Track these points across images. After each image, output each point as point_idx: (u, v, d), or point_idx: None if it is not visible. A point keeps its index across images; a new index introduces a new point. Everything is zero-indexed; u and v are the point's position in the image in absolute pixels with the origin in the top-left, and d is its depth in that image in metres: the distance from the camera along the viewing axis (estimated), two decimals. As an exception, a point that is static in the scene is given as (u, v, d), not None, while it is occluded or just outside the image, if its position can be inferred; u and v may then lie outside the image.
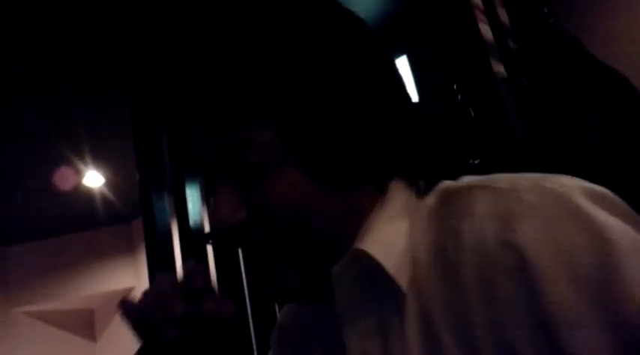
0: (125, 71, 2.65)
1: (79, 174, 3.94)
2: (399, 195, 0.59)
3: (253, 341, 2.09)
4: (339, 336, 0.57)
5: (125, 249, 5.10)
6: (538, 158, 1.56)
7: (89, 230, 5.03)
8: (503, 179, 0.53)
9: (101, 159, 3.81)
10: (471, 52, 1.68)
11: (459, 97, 2.01)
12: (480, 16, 1.73)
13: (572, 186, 0.49)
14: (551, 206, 0.47)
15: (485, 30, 1.72)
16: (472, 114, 1.70)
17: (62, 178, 3.88)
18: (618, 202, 0.49)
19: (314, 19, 0.57)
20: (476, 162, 1.93)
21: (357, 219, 0.57)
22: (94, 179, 4.08)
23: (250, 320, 2.35)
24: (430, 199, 0.57)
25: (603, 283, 0.43)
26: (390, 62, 0.61)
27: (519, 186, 0.50)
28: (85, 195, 4.28)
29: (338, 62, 0.56)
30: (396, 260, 0.54)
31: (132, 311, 0.57)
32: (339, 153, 0.55)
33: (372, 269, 0.54)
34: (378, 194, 0.58)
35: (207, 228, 2.46)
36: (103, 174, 4.05)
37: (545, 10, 1.96)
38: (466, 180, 0.58)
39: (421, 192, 0.60)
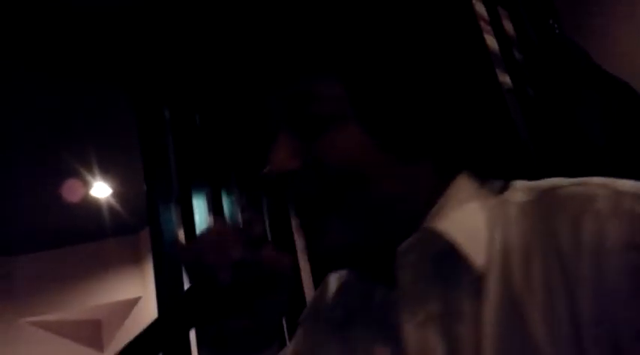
0: (132, 82, 2.66)
1: (86, 185, 3.96)
2: (465, 186, 0.58)
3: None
4: (388, 320, 0.56)
5: (132, 260, 5.10)
6: (544, 168, 1.56)
7: (96, 240, 5.03)
8: (623, 182, 0.51)
9: (108, 170, 3.83)
10: (476, 62, 1.68)
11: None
12: (485, 26, 1.73)
13: None
14: None
15: (491, 41, 1.72)
16: (478, 124, 1.70)
17: (69, 189, 3.89)
18: None
19: None
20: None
21: (415, 195, 0.57)
22: (101, 190, 4.09)
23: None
24: (516, 195, 0.56)
25: None
26: (461, 44, 0.63)
27: None
28: (92, 206, 4.29)
29: (412, 29, 0.57)
30: (474, 242, 0.53)
31: (188, 252, 0.57)
32: (402, 117, 0.55)
33: (446, 250, 0.53)
34: (439, 177, 0.58)
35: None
36: (110, 185, 4.07)
37: (551, 20, 1.97)
38: (557, 180, 0.56)
39: (494, 189, 0.59)
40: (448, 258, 0.53)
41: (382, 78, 0.55)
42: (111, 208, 4.40)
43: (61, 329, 5.07)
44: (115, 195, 4.21)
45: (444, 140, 0.57)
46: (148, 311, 4.77)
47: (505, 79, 1.67)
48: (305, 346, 0.71)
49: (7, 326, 4.76)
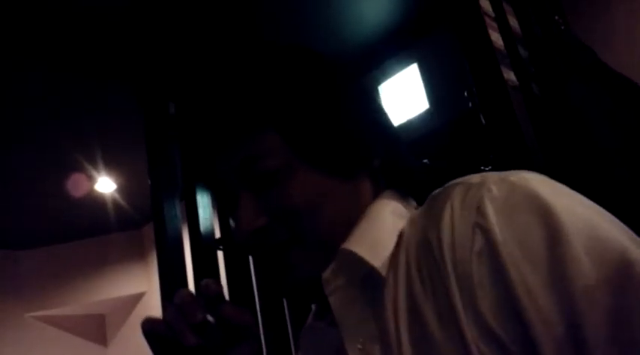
0: (138, 77, 2.67)
1: (91, 180, 3.96)
2: (386, 205, 0.65)
3: (264, 347, 2.09)
4: (339, 352, 0.59)
5: (136, 255, 5.12)
6: (549, 164, 1.55)
7: (101, 235, 5.05)
8: (476, 176, 0.58)
9: (113, 166, 3.83)
10: (481, 59, 1.68)
11: (470, 104, 2.01)
12: (490, 23, 1.73)
13: (530, 177, 0.54)
14: (510, 194, 0.51)
15: (496, 37, 1.72)
16: (483, 121, 1.70)
17: (74, 184, 3.90)
18: (565, 189, 0.54)
19: (304, 58, 0.68)
20: (487, 168, 1.93)
21: (358, 209, 0.64)
22: (105, 185, 4.10)
23: (261, 325, 2.36)
24: (420, 208, 0.63)
25: (554, 262, 0.47)
26: (356, 84, 0.71)
27: (487, 180, 0.54)
28: (97, 200, 4.30)
29: (319, 82, 0.66)
30: (381, 256, 0.59)
31: (156, 325, 0.59)
32: (333, 142, 0.63)
33: (361, 268, 0.58)
34: (374, 190, 0.67)
35: (217, 234, 2.47)
36: (114, 180, 4.07)
37: (557, 17, 1.96)
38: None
39: (413, 204, 0.67)
40: (369, 277, 0.58)
41: (309, 117, 0.63)
42: (115, 203, 4.40)
43: (64, 324, 5.10)
44: (119, 190, 4.22)
45: (373, 156, 0.66)
46: (152, 306, 4.78)
47: (510, 75, 1.67)
48: None
49: (12, 321, 4.78)
